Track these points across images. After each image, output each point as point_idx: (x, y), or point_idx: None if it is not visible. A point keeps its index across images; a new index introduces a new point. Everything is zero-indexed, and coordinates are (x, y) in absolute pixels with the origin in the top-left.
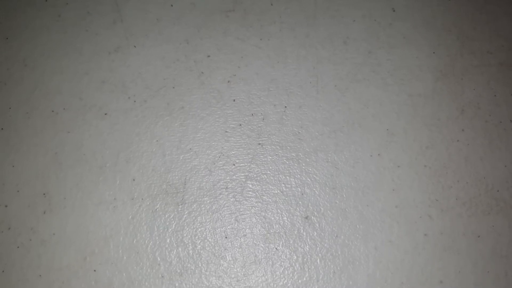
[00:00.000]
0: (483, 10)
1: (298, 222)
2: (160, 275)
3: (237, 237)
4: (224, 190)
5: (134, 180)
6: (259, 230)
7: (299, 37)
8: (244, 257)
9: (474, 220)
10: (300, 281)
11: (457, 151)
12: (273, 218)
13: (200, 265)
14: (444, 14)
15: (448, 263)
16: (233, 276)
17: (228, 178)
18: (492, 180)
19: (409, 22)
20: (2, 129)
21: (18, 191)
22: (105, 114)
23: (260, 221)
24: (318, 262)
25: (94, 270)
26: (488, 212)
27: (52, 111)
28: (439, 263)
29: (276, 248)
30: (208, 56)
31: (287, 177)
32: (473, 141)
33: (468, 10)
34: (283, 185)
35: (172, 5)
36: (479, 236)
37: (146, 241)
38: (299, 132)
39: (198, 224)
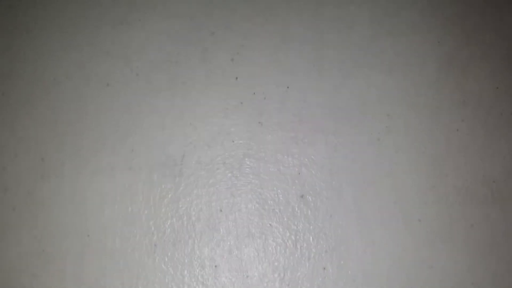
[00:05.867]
0: (489, 1)
1: (293, 200)
2: (153, 244)
3: (232, 211)
4: (221, 165)
5: (133, 150)
6: (254, 206)
7: (305, 19)
8: (238, 231)
9: (469, 208)
10: (292, 257)
11: (457, 140)
12: (268, 195)
13: (193, 236)
14: (450, 5)
15: (440, 249)
16: (225, 248)
17: (226, 154)
18: (490, 171)
19: (415, 11)
20: (3, 94)
21: (16, 155)
22: (107, 84)
23: (255, 197)
24: (311, 240)
25: (88, 235)
26: (483, 202)
27: (54, 79)
28: (432, 249)
29: (270, 224)
30: (213, 33)
31: (285, 156)
32: (473, 131)
33: (474, 2)
34: (280, 164)
35: None
36: (473, 225)
37: (141, 210)
38: (299, 113)
39: (194, 197)
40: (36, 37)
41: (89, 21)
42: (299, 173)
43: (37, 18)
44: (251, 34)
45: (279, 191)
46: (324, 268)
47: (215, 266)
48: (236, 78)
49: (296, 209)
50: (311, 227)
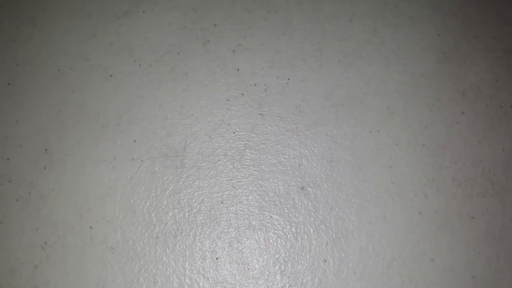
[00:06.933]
0: None
1: (294, 192)
2: (154, 236)
3: (233, 203)
4: (223, 157)
5: (135, 141)
6: (255, 198)
7: (305, 11)
8: (239, 223)
9: (469, 201)
10: (292, 249)
11: (456, 132)
12: (269, 187)
13: (195, 228)
14: None
15: (440, 242)
16: (226, 240)
17: (227, 145)
18: (489, 163)
19: (416, 3)
20: (8, 84)
21: (20, 145)
22: (110, 75)
23: (256, 189)
24: (311, 233)
25: (90, 227)
26: (483, 194)
27: (59, 70)
28: (432, 241)
29: (270, 216)
30: (215, 25)
31: (286, 148)
32: (473, 123)
33: None
34: (281, 155)
35: None
36: (473, 217)
37: (143, 201)
38: (300, 105)
39: (196, 188)
40: (40, 28)
41: (93, 12)
42: (300, 165)
43: (42, 10)
44: (253, 26)
45: (279, 183)
46: (325, 261)
47: (216, 258)
48: (238, 69)
49: (297, 201)
50: (312, 219)
